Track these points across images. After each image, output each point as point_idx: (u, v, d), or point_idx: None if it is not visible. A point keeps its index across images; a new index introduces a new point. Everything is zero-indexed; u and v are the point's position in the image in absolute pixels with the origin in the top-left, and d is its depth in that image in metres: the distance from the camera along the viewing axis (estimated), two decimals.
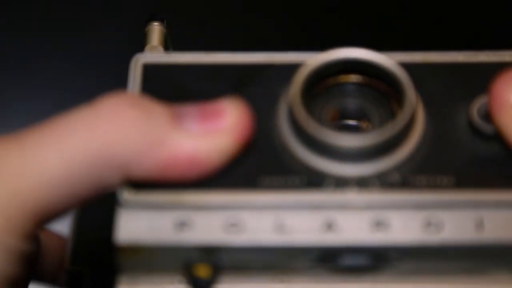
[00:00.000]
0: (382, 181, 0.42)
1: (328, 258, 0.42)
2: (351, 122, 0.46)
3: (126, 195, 0.42)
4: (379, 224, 0.41)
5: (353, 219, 0.41)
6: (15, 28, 1.07)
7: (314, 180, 0.42)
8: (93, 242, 0.71)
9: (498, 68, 0.46)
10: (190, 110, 0.44)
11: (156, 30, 0.53)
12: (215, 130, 0.43)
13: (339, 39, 1.08)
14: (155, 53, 0.50)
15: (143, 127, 0.43)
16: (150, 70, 0.47)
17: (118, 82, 1.07)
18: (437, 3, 1.09)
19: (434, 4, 1.09)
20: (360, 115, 0.46)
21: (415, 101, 0.43)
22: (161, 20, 0.54)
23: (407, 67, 0.45)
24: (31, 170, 0.43)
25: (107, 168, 0.43)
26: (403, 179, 0.42)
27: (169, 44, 0.55)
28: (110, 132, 0.43)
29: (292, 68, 0.45)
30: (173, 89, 0.46)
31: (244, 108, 0.44)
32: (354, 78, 0.46)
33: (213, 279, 0.43)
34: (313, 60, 0.44)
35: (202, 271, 0.42)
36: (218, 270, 0.43)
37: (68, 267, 0.70)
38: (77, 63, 1.06)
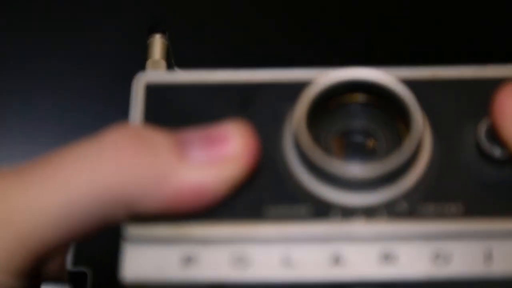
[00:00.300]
0: (390, 211, 0.42)
1: None
2: (357, 139, 0.45)
3: (131, 230, 0.42)
4: (387, 257, 0.41)
5: (360, 251, 0.41)
6: (14, 28, 1.07)
7: (321, 210, 0.42)
8: (94, 243, 0.71)
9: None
10: (194, 137, 0.43)
11: (158, 43, 0.53)
12: (220, 158, 0.42)
13: (339, 39, 1.07)
14: (157, 71, 0.49)
15: (147, 163, 0.42)
16: (153, 91, 0.47)
17: (118, 82, 1.07)
18: (437, 3, 1.09)
19: (435, 4, 1.08)
20: (366, 134, 0.45)
21: (422, 128, 0.43)
22: (163, 31, 0.54)
23: (414, 84, 0.44)
24: (33, 209, 0.42)
25: (111, 206, 0.42)
26: (410, 208, 0.42)
27: (171, 56, 0.55)
28: (113, 171, 0.42)
29: (297, 87, 0.44)
30: (176, 110, 0.46)
31: (249, 133, 0.43)
32: (360, 97, 0.46)
33: None
34: (318, 82, 0.44)
35: None
36: None
37: (70, 267, 0.70)
38: (77, 63, 1.05)
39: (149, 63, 0.52)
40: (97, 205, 0.42)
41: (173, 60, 0.55)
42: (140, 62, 1.04)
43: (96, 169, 0.42)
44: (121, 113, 1.08)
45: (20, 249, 0.42)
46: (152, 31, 0.53)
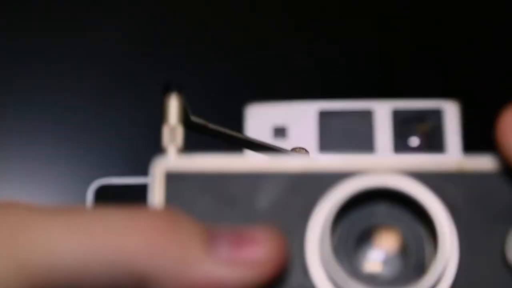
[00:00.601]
0: None
1: None
2: (383, 250, 0.45)
3: None
4: None
5: None
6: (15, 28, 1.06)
7: None
8: None
9: None
10: (224, 233, 0.43)
11: (174, 104, 0.52)
12: (246, 260, 0.42)
13: (339, 39, 1.08)
14: (176, 157, 0.48)
15: (174, 247, 0.42)
16: (173, 179, 0.46)
17: (118, 82, 1.06)
18: (437, 4, 1.08)
19: (435, 4, 1.08)
20: (390, 235, 0.45)
21: (449, 251, 0.42)
22: (179, 90, 0.53)
23: (439, 176, 0.44)
24: (45, 253, 0.42)
25: (124, 276, 0.42)
26: None
27: (189, 111, 0.55)
28: (138, 246, 0.42)
29: (328, 179, 0.45)
30: (198, 200, 0.45)
31: (279, 241, 0.42)
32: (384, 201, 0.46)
33: None
34: (342, 189, 0.44)
35: None
36: None
37: None
38: (77, 63, 1.05)
39: (165, 129, 0.52)
40: (110, 272, 0.42)
41: (190, 114, 0.54)
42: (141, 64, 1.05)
43: (122, 238, 0.42)
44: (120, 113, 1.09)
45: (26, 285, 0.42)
46: (167, 89, 0.53)
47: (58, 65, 1.05)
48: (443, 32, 1.08)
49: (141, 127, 1.03)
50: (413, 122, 0.79)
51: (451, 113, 0.79)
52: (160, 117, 1.04)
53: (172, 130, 0.52)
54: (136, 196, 0.75)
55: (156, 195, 0.47)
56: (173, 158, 0.48)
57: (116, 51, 1.05)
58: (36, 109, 1.04)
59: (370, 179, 0.45)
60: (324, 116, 0.80)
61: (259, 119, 0.80)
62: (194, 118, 0.55)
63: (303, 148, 0.63)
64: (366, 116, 0.79)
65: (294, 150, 0.63)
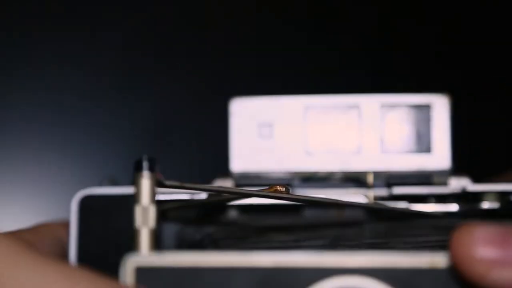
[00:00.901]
0: None
1: None
2: None
3: None
4: None
5: None
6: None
7: None
8: (97, 262, 0.73)
9: None
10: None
11: (146, 184, 0.52)
12: None
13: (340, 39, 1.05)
14: (147, 255, 0.48)
15: None
16: (142, 274, 0.47)
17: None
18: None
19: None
20: None
21: None
22: (151, 169, 0.53)
23: (411, 273, 0.44)
24: None
25: None
26: None
27: (162, 180, 0.54)
28: None
29: (300, 278, 0.45)
30: None
31: None
32: None
33: None
34: None
35: None
36: None
37: None
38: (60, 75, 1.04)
39: (137, 209, 0.51)
40: None
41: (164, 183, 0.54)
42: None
43: None
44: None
45: None
46: (139, 168, 0.52)
47: (40, 78, 1.04)
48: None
49: (126, 136, 1.03)
50: (401, 117, 0.78)
51: (440, 108, 0.77)
52: (146, 128, 1.04)
53: (144, 210, 0.51)
54: (121, 206, 0.75)
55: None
56: (145, 254, 0.48)
57: (100, 68, 1.04)
58: (20, 120, 1.03)
59: (343, 282, 0.45)
60: (310, 111, 0.79)
61: (244, 114, 0.79)
62: (168, 182, 0.54)
63: (284, 186, 0.62)
64: (353, 111, 0.78)
65: (274, 188, 0.62)
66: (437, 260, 0.46)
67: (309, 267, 0.46)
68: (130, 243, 0.73)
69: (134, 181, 0.52)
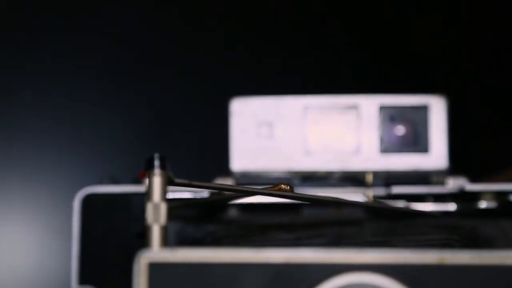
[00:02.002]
0: None
1: None
2: None
3: None
4: None
5: None
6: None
7: None
8: (101, 260, 0.73)
9: None
10: None
11: (157, 182, 0.52)
12: None
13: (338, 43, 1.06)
14: (159, 250, 0.49)
15: None
16: (155, 270, 0.47)
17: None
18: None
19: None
20: None
21: None
22: (162, 167, 0.53)
23: (420, 269, 0.45)
24: None
25: None
26: None
27: (172, 177, 0.55)
28: None
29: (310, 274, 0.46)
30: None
31: None
32: None
33: None
34: None
35: None
36: None
37: (77, 285, 0.73)
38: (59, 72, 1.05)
39: (149, 206, 0.52)
40: None
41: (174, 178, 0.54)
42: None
43: None
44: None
45: None
46: (150, 166, 0.52)
47: (41, 77, 1.04)
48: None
49: (127, 135, 1.03)
50: (399, 117, 0.79)
51: (437, 108, 0.78)
52: (146, 127, 1.04)
53: (156, 207, 0.52)
54: (123, 205, 0.75)
55: (141, 285, 0.48)
56: (157, 250, 0.49)
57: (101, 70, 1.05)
58: (22, 118, 1.04)
59: (353, 278, 0.46)
60: (309, 111, 0.80)
61: (244, 114, 0.79)
62: (178, 180, 0.55)
63: (288, 184, 0.63)
64: (352, 111, 0.79)
65: (278, 186, 0.63)
66: (446, 257, 0.47)
67: (320, 264, 0.47)
68: (133, 240, 0.74)
69: (147, 179, 0.52)
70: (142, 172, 0.73)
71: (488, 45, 1.05)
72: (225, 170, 0.78)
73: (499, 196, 0.73)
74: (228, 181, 0.77)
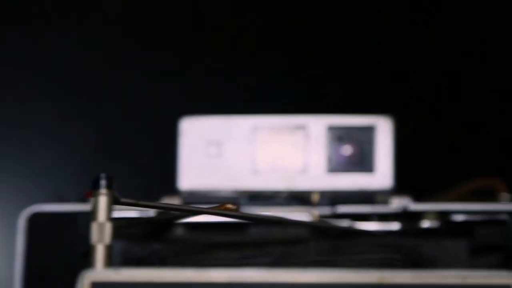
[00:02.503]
0: None
1: None
2: None
3: None
4: None
5: None
6: None
7: None
8: (44, 279, 0.73)
9: None
10: None
11: (103, 201, 0.53)
12: None
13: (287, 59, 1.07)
14: (103, 270, 0.49)
15: None
16: None
17: None
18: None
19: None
20: None
21: None
22: (109, 186, 0.53)
23: None
24: None
25: None
26: None
27: (118, 197, 0.55)
28: None
29: None
30: None
31: None
32: None
33: None
34: None
35: None
36: None
37: None
38: None
39: (94, 226, 0.52)
40: None
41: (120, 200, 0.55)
42: None
43: None
44: None
45: None
46: (96, 186, 0.53)
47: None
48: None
49: (74, 154, 1.03)
50: (346, 137, 0.80)
51: (383, 129, 0.79)
52: (94, 146, 1.04)
53: (101, 226, 0.52)
54: (69, 224, 0.75)
55: None
56: (100, 269, 0.49)
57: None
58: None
59: None
60: (258, 131, 0.80)
61: (193, 133, 0.80)
62: (124, 200, 0.56)
63: (234, 204, 0.64)
64: (300, 132, 0.80)
65: (224, 206, 0.64)
66: (386, 276, 0.47)
67: (264, 283, 0.47)
68: (79, 259, 0.74)
69: (92, 199, 0.53)
70: (88, 191, 0.73)
71: (434, 65, 1.07)
72: (172, 189, 0.78)
73: (442, 215, 0.75)
74: (175, 200, 0.77)
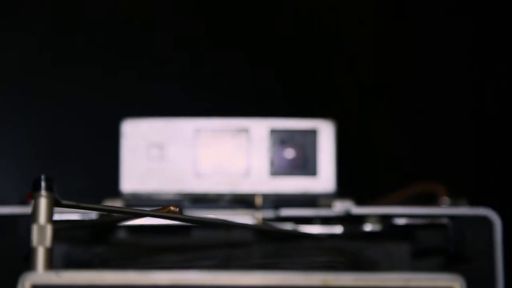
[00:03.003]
0: None
1: None
2: None
3: None
4: None
5: None
6: None
7: None
8: None
9: None
10: None
11: (43, 203, 0.52)
12: None
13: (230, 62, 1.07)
14: (43, 273, 0.48)
15: None
16: None
17: None
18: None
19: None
20: None
21: None
22: (49, 188, 0.53)
23: None
24: None
25: None
26: None
27: (59, 198, 0.54)
28: None
29: None
30: None
31: None
32: None
33: None
34: None
35: None
36: None
37: None
38: None
39: (35, 229, 0.51)
40: None
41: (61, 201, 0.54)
42: None
43: None
44: None
45: None
46: (37, 188, 0.52)
47: None
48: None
49: (15, 156, 1.02)
50: (289, 141, 0.80)
51: (326, 133, 0.80)
52: (35, 148, 1.02)
53: (41, 229, 0.52)
54: (9, 226, 0.74)
55: None
56: (41, 272, 0.49)
57: None
58: None
59: None
60: (201, 134, 0.80)
61: (135, 135, 0.79)
62: (65, 202, 0.55)
63: (177, 206, 0.63)
64: (243, 135, 0.80)
65: (167, 208, 0.63)
66: (329, 279, 0.48)
67: (207, 285, 0.47)
68: (20, 263, 0.73)
69: (33, 202, 0.52)
70: (29, 194, 0.72)
71: (380, 69, 1.08)
72: (114, 191, 0.78)
73: (384, 219, 0.75)
74: (117, 203, 0.77)
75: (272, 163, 0.80)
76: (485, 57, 1.07)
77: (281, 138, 0.80)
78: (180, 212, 0.63)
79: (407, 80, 1.07)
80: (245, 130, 0.80)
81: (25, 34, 1.04)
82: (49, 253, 0.51)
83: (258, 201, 0.78)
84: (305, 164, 0.80)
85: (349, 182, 0.79)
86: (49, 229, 0.52)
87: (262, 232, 0.75)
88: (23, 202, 0.74)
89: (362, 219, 0.76)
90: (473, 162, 1.06)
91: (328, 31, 1.07)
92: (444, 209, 0.76)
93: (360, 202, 0.77)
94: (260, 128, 0.80)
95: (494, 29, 1.07)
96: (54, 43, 1.05)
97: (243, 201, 0.78)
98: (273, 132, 0.80)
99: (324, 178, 0.79)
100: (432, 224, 0.74)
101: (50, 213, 0.52)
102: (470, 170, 1.06)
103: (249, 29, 1.07)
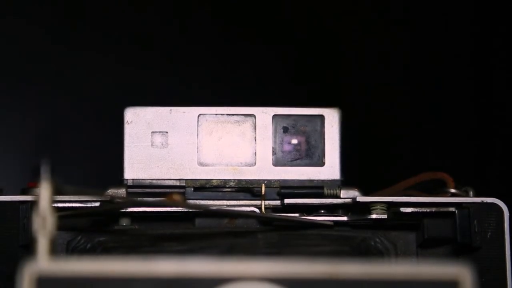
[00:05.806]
0: None
1: None
2: None
3: None
4: None
5: None
6: None
7: None
8: None
9: None
10: None
11: (44, 193, 0.51)
12: None
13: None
14: (48, 263, 0.48)
15: None
16: (42, 282, 0.46)
17: None
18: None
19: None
20: None
21: None
22: (50, 176, 0.52)
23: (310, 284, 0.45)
24: None
25: None
26: None
27: (60, 186, 0.54)
28: None
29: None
30: None
31: None
32: None
33: None
34: None
35: None
36: None
37: None
38: None
39: (36, 217, 0.51)
40: None
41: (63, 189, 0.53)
42: None
43: None
44: None
45: None
46: (37, 176, 0.51)
47: None
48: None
49: (16, 144, 1.01)
50: (294, 129, 0.79)
51: (331, 121, 0.79)
52: (37, 136, 1.02)
53: (43, 218, 0.51)
54: (11, 215, 0.73)
55: None
56: (43, 261, 0.48)
57: None
58: None
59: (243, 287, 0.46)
60: (204, 121, 0.79)
61: (138, 123, 0.78)
62: (67, 190, 0.54)
63: (179, 193, 0.63)
64: (248, 122, 0.79)
65: (170, 196, 0.63)
66: (336, 268, 0.47)
67: (210, 274, 0.46)
68: (19, 252, 0.72)
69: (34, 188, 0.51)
70: (30, 182, 0.71)
71: (382, 60, 1.07)
72: (118, 179, 0.77)
73: (390, 207, 0.74)
74: (120, 191, 0.76)
75: (276, 152, 0.79)
76: (488, 49, 1.07)
77: (286, 126, 0.79)
78: (184, 200, 0.63)
79: (415, 69, 1.07)
80: (250, 118, 0.79)
81: (27, 21, 1.04)
82: (51, 241, 0.50)
83: (262, 189, 0.77)
84: (310, 153, 0.79)
85: (354, 172, 0.79)
86: (50, 217, 0.51)
87: (266, 221, 0.74)
88: (24, 190, 0.74)
89: (368, 208, 0.75)
90: (477, 152, 1.06)
91: (337, 20, 1.07)
92: (451, 198, 0.75)
93: (366, 191, 0.76)
94: (265, 116, 0.79)
95: (496, 18, 1.07)
96: (56, 30, 1.04)
97: (247, 190, 0.77)
98: (278, 120, 0.79)
99: (330, 166, 0.78)
100: (440, 213, 0.74)
101: (51, 201, 0.51)
102: (474, 160, 1.05)
103: (255, 17, 1.06)
